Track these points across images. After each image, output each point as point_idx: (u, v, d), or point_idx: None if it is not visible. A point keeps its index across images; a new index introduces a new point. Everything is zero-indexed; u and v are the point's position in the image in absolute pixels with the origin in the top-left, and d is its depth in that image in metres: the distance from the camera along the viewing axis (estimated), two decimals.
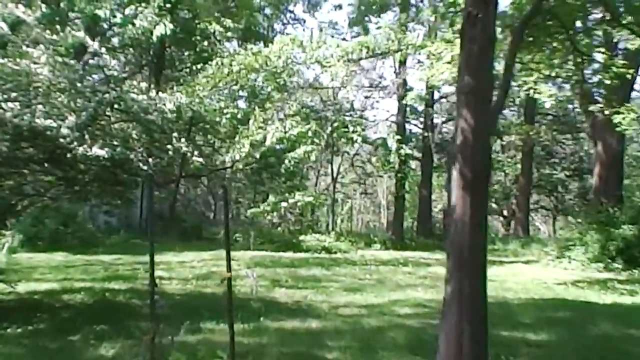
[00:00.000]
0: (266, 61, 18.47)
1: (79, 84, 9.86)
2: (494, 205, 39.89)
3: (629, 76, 15.56)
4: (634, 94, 24.92)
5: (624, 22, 12.96)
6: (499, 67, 8.36)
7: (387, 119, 38.20)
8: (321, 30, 31.10)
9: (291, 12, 37.55)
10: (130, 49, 28.54)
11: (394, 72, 34.64)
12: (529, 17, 8.80)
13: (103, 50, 11.38)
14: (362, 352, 7.67)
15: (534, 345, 8.33)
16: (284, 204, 24.49)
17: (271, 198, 25.73)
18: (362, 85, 36.70)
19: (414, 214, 43.29)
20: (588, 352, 8.08)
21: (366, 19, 26.14)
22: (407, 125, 36.25)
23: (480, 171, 5.77)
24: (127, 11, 22.76)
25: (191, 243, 25.16)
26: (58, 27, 10.94)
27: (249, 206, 33.13)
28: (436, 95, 35.44)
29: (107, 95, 9.78)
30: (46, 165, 10.54)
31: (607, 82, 14.97)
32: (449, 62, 14.67)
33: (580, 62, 13.98)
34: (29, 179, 11.25)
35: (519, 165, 38.47)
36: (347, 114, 33.43)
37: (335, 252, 24.70)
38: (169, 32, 22.35)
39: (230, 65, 18.18)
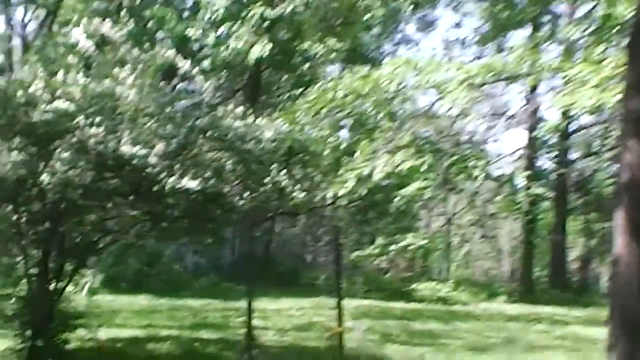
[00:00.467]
0: (376, 86, 18.23)
1: (168, 109, 9.93)
2: None
3: None
4: None
5: None
6: None
7: (513, 153, 37.08)
8: (435, 50, 30.75)
9: (402, 32, 37.35)
10: (223, 72, 29.07)
11: (524, 98, 33.64)
12: None
13: (195, 71, 11.47)
14: None
15: None
16: (393, 247, 24.04)
17: (379, 240, 25.33)
18: (486, 113, 35.84)
19: (541, 261, 41.70)
20: None
21: (499, 36, 25.53)
22: (537, 161, 35.03)
23: None
24: (220, 31, 23.19)
25: (288, 289, 25.02)
26: (146, 45, 11.15)
27: (352, 249, 32.85)
28: (571, 126, 34.12)
29: (199, 121, 9.77)
30: (131, 198, 10.64)
31: None
32: (595, 87, 13.92)
33: None
34: (112, 214, 11.41)
35: None
36: (467, 146, 32.69)
37: (454, 304, 24.07)
38: (266, 54, 22.59)
39: (335, 90, 18.03)
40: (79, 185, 9.22)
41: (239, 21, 23.27)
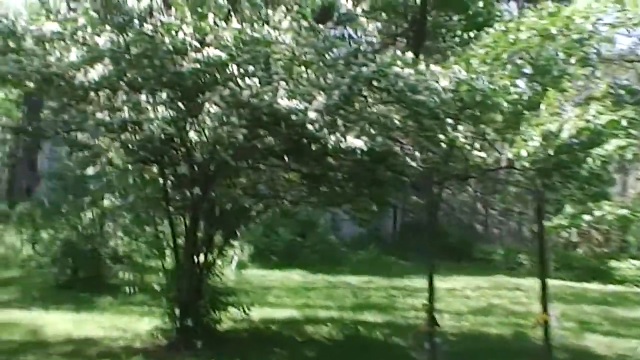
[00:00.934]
0: (567, 24, 17.35)
1: (328, 55, 9.76)
2: None
3: None
4: None
5: None
6: None
7: None
8: None
9: None
10: (382, 14, 28.66)
11: None
12: None
13: (359, 10, 11.27)
14: None
15: None
16: (586, 217, 23.03)
17: (568, 209, 24.34)
18: None
19: None
20: None
21: None
22: None
23: None
24: None
25: (459, 264, 24.64)
26: None
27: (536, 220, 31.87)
28: None
29: (364, 69, 9.52)
30: (286, 159, 10.64)
31: None
32: None
33: None
34: (265, 177, 11.49)
35: None
36: None
37: None
38: None
39: (518, 30, 17.35)
40: (230, 144, 9.26)
41: None
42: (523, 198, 39.77)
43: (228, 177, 11.00)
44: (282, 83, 9.18)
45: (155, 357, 9.97)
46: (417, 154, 10.21)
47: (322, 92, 9.25)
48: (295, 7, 10.23)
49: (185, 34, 8.97)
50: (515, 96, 23.04)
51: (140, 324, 11.68)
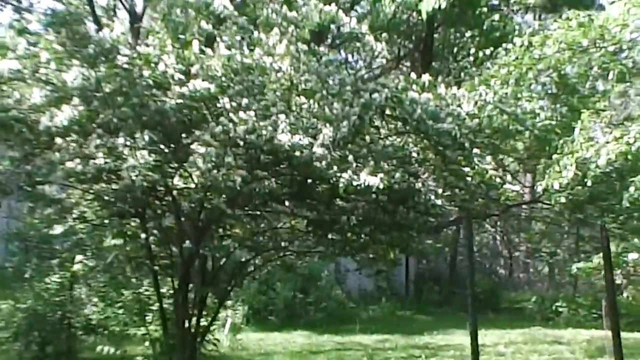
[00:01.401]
0: (602, 34, 17.22)
1: (331, 80, 9.64)
2: None
3: None
4: None
5: None
6: None
7: None
8: None
9: None
10: (384, 35, 28.78)
11: None
12: None
13: (364, 29, 11.20)
14: None
15: None
16: (632, 256, 22.81)
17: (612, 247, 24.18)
18: None
19: None
20: None
21: None
22: None
23: None
24: None
25: (486, 316, 24.30)
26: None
27: (569, 259, 31.72)
28: None
29: (376, 96, 9.38)
30: (287, 204, 10.49)
31: None
32: None
33: None
34: (264, 226, 11.32)
35: None
36: None
37: None
38: (443, 5, 22.03)
39: (542, 45, 17.22)
40: (227, 189, 9.06)
41: None
42: (553, 236, 39.66)
43: (222, 228, 10.82)
44: (282, 116, 9.04)
45: None
46: (439, 190, 10.04)
47: (328, 124, 9.13)
48: (291, 29, 10.14)
49: (166, 65, 8.87)
50: (545, 121, 22.97)
51: None
